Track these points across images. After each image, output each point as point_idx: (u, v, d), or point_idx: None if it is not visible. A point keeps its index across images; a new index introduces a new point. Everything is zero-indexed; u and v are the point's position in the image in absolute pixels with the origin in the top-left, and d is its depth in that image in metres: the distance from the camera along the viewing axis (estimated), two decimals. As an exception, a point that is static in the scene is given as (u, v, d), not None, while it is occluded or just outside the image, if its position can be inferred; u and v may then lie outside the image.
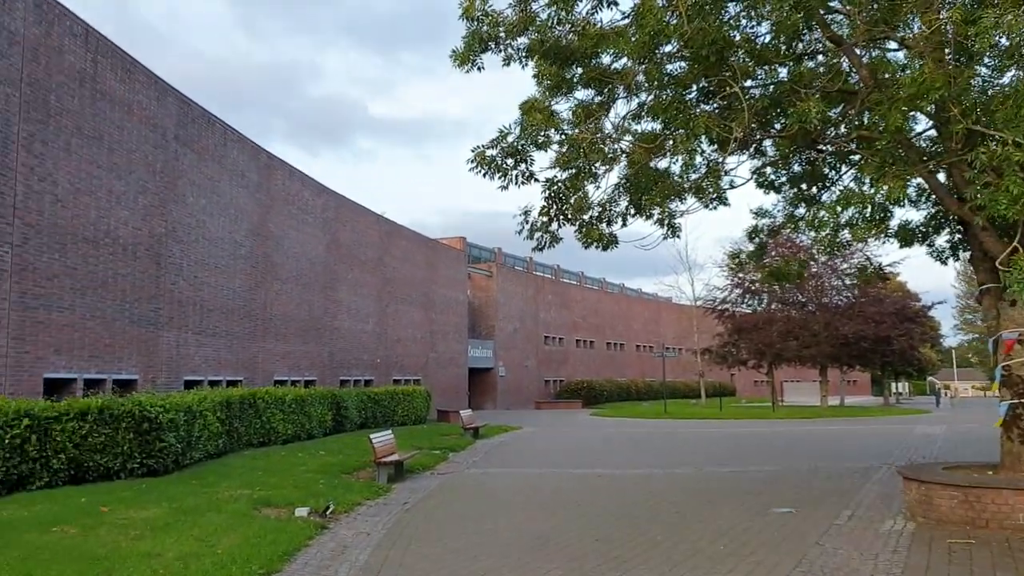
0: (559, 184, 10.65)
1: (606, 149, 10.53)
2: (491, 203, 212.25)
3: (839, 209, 8.42)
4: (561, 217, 11.03)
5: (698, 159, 11.77)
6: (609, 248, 11.47)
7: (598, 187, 11.66)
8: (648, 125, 11.64)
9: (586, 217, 11.85)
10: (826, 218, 8.59)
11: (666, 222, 10.52)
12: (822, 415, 39.41)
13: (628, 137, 11.21)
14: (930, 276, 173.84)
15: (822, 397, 48.44)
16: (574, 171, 10.55)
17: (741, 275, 48.93)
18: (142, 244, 20.12)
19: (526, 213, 11.14)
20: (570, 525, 10.77)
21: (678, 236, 10.83)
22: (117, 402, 14.11)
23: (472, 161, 10.40)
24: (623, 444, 24.56)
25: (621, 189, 11.97)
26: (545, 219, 11.02)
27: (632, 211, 11.34)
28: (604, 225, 11.78)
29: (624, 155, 10.80)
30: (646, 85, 11.07)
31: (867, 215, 9.40)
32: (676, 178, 11.42)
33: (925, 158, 9.32)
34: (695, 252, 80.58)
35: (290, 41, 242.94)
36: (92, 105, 18.32)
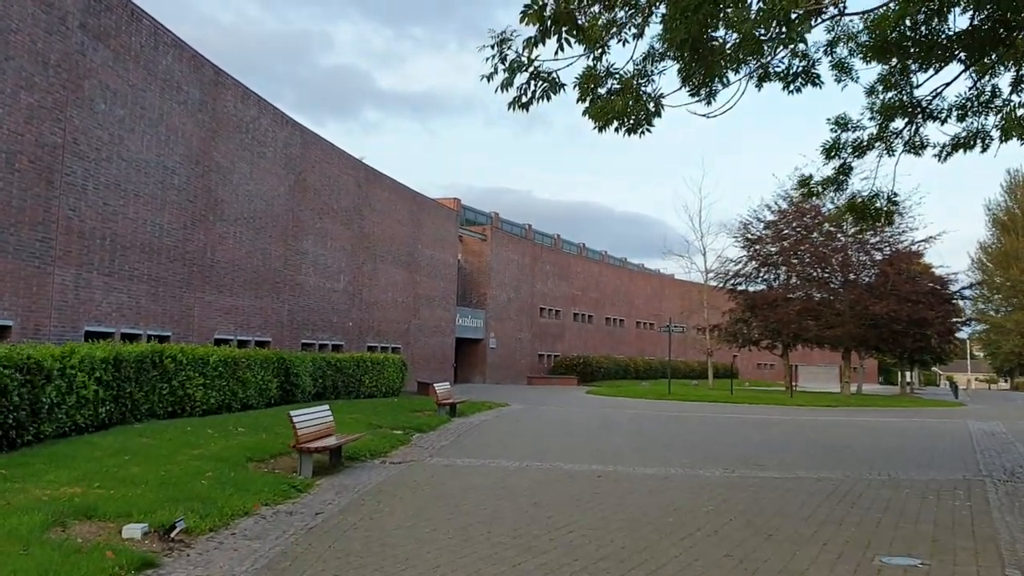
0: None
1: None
2: (494, 179, 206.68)
3: None
4: (565, 29, 6.32)
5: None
6: (640, 130, 7.04)
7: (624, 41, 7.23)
8: None
9: (603, 91, 7.45)
10: None
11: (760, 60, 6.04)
12: (847, 404, 35.13)
13: None
14: (942, 263, 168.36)
15: (843, 384, 44.12)
16: None
17: (757, 247, 44.63)
18: (24, 154, 15.66)
19: (502, 41, 6.53)
20: (557, 576, 6.51)
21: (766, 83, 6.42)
22: None
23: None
24: (626, 430, 20.31)
25: (659, 49, 7.57)
26: (536, 32, 6.33)
27: (686, 70, 6.84)
28: (631, 101, 7.35)
29: None
30: None
31: None
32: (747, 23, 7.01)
33: None
34: (707, 222, 75.13)
35: (301, 11, 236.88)
36: (-55, -41, 13.83)
